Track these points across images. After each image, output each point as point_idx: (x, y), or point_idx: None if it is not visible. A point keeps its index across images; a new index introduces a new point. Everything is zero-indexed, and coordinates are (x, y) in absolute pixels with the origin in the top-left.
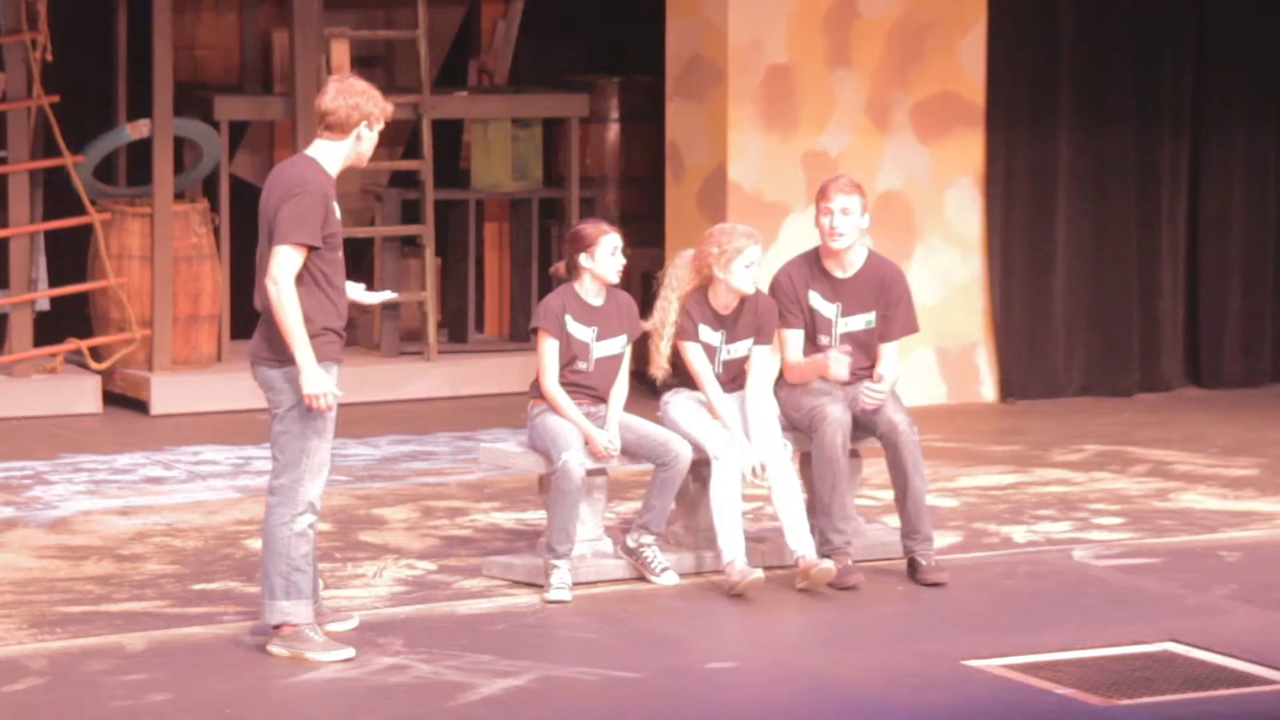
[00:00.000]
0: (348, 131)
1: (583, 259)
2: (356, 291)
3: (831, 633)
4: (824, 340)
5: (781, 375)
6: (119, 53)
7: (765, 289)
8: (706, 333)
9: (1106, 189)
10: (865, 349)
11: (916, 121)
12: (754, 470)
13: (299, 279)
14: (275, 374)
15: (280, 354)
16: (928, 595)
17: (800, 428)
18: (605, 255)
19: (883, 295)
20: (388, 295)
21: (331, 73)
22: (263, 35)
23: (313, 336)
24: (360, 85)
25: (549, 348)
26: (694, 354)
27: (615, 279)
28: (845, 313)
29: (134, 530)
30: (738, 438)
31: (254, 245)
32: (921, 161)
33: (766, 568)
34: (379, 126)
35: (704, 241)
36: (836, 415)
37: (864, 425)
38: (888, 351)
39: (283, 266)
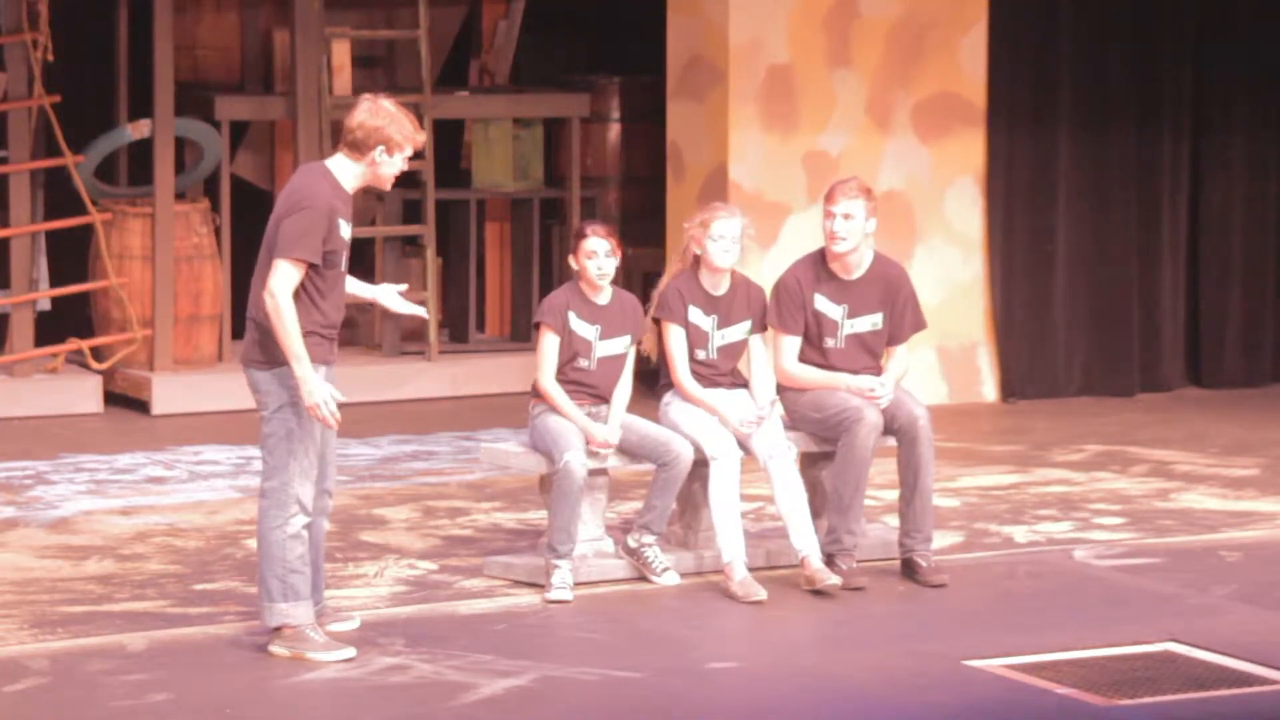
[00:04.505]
0: (364, 153)
1: (570, 260)
2: (391, 298)
3: (832, 632)
4: (830, 343)
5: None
6: (120, 52)
7: (768, 289)
8: (698, 315)
9: (1106, 189)
10: (869, 349)
11: (917, 121)
12: (747, 422)
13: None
14: (263, 376)
15: (268, 356)
16: (928, 595)
17: (826, 427)
18: (584, 258)
19: (889, 297)
20: (418, 311)
21: (333, 73)
22: (264, 35)
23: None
24: (390, 110)
25: (549, 343)
26: (675, 336)
27: (599, 283)
28: (851, 314)
29: (135, 530)
30: (726, 430)
31: (255, 245)
32: (922, 161)
33: (772, 567)
34: (403, 154)
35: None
36: (873, 419)
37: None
38: (899, 351)
39: (280, 281)
